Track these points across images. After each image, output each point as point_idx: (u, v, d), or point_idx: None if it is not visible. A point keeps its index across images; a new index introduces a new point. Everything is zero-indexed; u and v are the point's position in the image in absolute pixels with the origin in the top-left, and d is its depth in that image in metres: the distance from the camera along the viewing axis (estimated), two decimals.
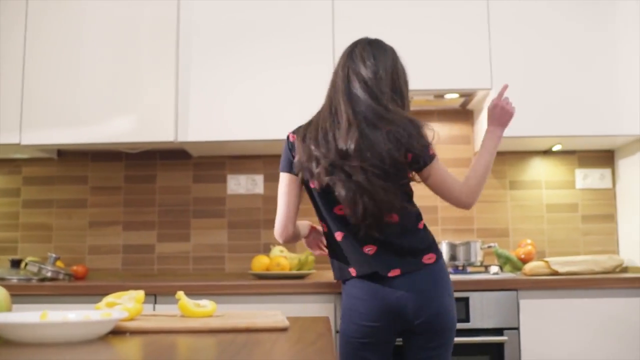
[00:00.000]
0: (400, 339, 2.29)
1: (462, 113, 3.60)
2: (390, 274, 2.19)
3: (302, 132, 2.28)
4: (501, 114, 2.41)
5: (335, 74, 2.31)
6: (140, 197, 3.56)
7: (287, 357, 1.11)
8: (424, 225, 2.28)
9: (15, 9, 3.20)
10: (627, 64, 3.18)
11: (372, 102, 2.19)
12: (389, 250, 2.20)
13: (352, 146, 2.12)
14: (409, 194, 2.27)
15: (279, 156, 3.53)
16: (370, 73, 2.23)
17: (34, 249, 3.51)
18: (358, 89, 2.21)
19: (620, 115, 3.15)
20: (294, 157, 2.29)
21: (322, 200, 2.25)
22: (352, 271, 2.24)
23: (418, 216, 2.26)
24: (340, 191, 2.13)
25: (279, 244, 3.42)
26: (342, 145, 2.14)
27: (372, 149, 2.13)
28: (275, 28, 3.22)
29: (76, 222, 3.55)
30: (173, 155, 3.57)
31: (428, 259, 2.21)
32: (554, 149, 3.49)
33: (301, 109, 3.14)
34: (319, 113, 2.31)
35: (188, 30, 3.21)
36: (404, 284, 2.17)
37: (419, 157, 2.20)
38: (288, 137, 2.35)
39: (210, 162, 3.58)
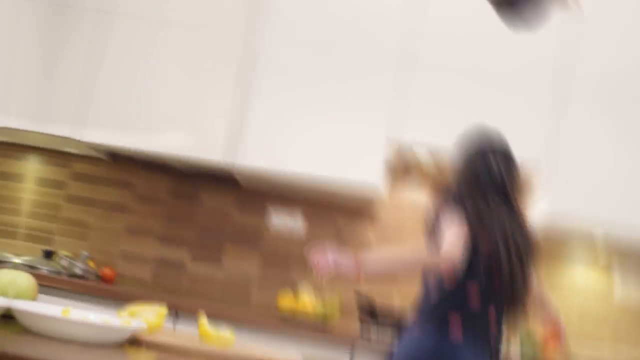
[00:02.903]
0: None
1: None
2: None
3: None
4: None
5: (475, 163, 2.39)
6: (181, 214, 3.57)
7: None
8: None
9: (103, 23, 3.35)
10: None
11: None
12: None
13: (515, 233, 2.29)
14: None
15: (323, 198, 3.56)
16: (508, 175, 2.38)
17: (68, 243, 3.53)
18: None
19: None
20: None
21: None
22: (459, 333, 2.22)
23: None
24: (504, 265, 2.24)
25: (307, 284, 3.38)
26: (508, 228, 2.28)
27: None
28: (340, 69, 3.24)
29: (114, 225, 3.57)
30: (220, 180, 3.57)
31: None
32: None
33: (355, 151, 3.17)
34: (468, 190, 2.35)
35: (254, 56, 3.28)
36: None
37: None
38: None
39: (255, 193, 3.57)
